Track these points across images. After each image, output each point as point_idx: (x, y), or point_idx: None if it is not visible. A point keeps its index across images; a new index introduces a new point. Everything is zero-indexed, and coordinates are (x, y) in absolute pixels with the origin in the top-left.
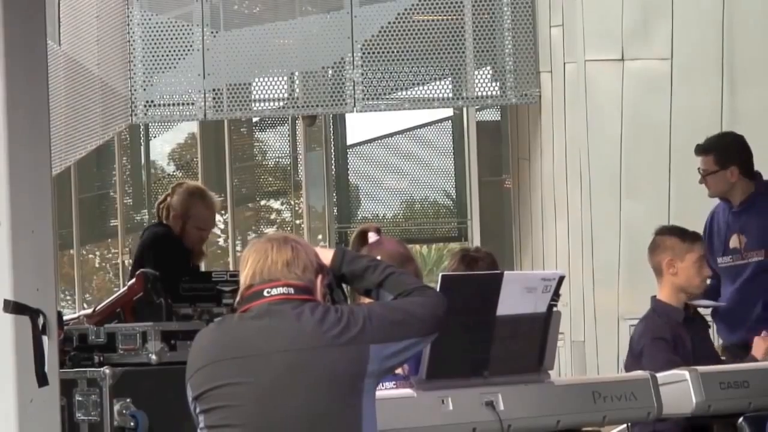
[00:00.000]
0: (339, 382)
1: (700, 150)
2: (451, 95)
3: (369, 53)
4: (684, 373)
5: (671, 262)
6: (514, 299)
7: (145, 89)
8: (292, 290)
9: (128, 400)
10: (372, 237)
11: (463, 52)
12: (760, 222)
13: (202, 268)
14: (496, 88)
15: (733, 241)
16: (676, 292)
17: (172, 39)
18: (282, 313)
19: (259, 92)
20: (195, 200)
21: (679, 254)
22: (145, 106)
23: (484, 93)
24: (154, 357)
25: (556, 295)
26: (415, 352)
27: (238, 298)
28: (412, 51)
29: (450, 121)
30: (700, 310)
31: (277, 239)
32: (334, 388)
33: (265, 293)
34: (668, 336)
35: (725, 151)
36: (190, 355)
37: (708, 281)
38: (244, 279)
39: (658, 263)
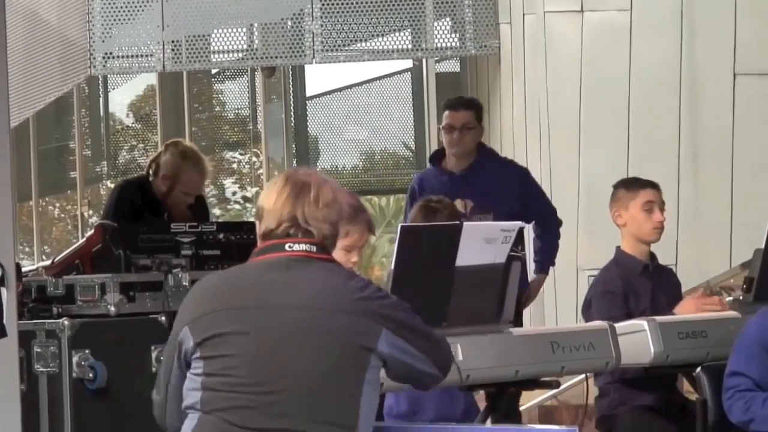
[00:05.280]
0: (347, 348)
1: (464, 104)
2: (410, 46)
3: (328, 4)
4: (642, 323)
5: (617, 213)
6: (474, 250)
7: (103, 41)
8: (314, 248)
9: (87, 351)
10: None
11: (423, 3)
12: (484, 187)
13: None
14: (456, 40)
15: (458, 206)
16: (635, 242)
17: None
18: (302, 269)
19: (218, 44)
20: (187, 165)
21: (623, 204)
22: (103, 57)
23: (444, 44)
24: (112, 308)
25: (517, 246)
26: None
27: (259, 244)
28: (371, 2)
29: (409, 73)
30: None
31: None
32: (341, 352)
33: (286, 247)
34: (619, 290)
35: (480, 111)
36: (192, 298)
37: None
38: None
39: (611, 216)
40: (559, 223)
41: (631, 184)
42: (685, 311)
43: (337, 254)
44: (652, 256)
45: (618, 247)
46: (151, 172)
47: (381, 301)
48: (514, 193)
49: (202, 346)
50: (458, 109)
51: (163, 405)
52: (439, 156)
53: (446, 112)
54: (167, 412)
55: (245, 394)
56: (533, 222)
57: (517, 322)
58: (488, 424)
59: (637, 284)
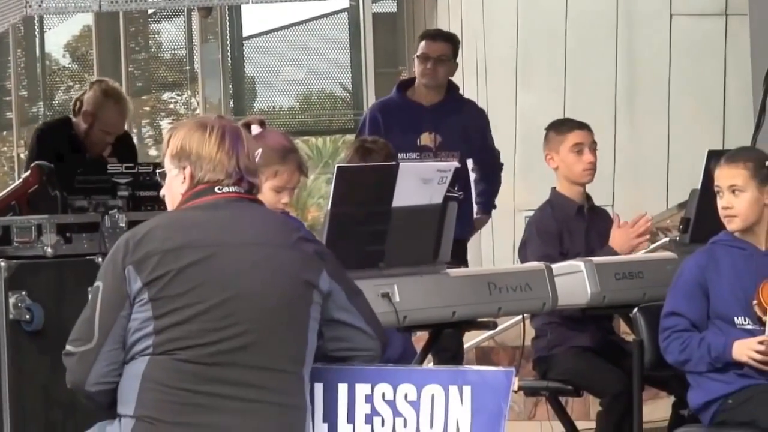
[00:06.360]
0: (295, 283)
1: (443, 36)
2: None
3: None
4: (579, 264)
5: (549, 156)
6: (410, 191)
7: None
8: (242, 191)
9: (24, 293)
10: (255, 129)
11: None
12: (453, 126)
13: None
14: None
15: (425, 139)
16: (568, 184)
17: None
18: (241, 208)
19: None
20: (108, 102)
21: (554, 147)
22: None
23: None
24: (49, 250)
25: (454, 187)
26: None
27: (185, 191)
28: None
29: (346, 13)
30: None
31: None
32: (291, 287)
33: (216, 190)
34: (553, 229)
35: (457, 47)
36: (131, 243)
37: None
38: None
39: (545, 159)
40: (501, 166)
41: (560, 126)
42: (617, 243)
43: (267, 195)
44: (588, 198)
45: (553, 189)
46: (76, 110)
47: (316, 244)
48: (477, 135)
49: (150, 287)
50: (436, 39)
51: (93, 354)
52: (405, 86)
53: (423, 42)
54: (96, 362)
55: (201, 331)
56: (478, 164)
57: (464, 263)
58: (428, 365)
59: (572, 225)
